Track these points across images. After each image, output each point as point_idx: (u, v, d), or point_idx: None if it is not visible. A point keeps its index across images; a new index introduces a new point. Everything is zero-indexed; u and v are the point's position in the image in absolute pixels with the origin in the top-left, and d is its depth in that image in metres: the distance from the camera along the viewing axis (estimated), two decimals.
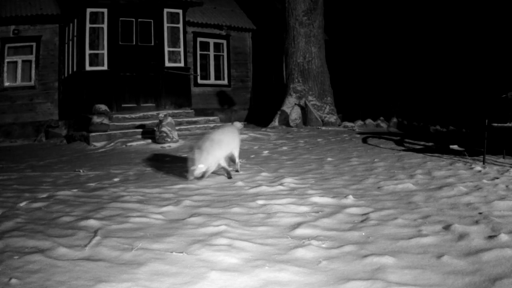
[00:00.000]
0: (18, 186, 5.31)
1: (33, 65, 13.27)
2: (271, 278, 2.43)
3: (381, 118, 13.55)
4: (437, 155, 6.97)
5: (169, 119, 9.70)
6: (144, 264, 2.58)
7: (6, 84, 12.97)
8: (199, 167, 4.92)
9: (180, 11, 13.10)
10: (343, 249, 2.86)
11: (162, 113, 10.33)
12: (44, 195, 4.66)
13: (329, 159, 7.03)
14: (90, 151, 9.47)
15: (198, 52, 15.30)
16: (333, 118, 13.55)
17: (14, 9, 12.81)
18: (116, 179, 5.78)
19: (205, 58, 15.60)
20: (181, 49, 13.09)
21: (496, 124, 6.36)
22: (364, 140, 9.32)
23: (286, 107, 13.55)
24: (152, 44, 12.76)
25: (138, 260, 2.66)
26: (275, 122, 13.44)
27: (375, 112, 14.02)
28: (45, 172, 6.66)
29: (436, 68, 15.62)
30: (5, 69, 12.93)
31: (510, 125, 6.31)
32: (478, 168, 5.70)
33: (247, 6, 16.91)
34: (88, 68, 11.87)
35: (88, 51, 11.86)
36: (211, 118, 12.67)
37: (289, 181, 5.13)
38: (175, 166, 6.91)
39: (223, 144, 5.21)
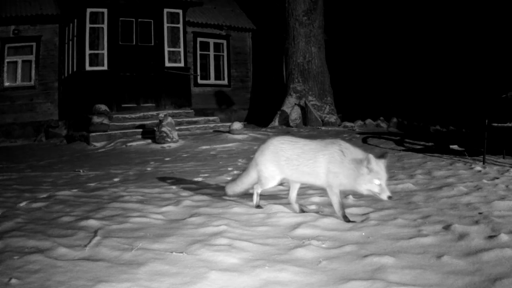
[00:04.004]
0: (18, 186, 5.31)
1: (33, 65, 13.28)
2: (271, 278, 2.43)
3: (381, 118, 13.54)
4: (437, 155, 6.97)
5: (169, 119, 9.70)
6: (144, 264, 2.58)
7: (6, 84, 12.98)
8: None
9: (180, 11, 13.11)
10: (343, 249, 2.85)
11: (162, 113, 10.34)
12: (44, 195, 4.66)
13: None
14: (90, 151, 9.47)
15: (198, 52, 15.32)
16: (333, 118, 13.56)
17: (14, 9, 12.81)
18: (116, 179, 5.78)
19: (205, 58, 15.61)
20: (181, 49, 13.10)
21: (496, 124, 6.35)
22: (364, 140, 9.32)
23: (286, 107, 13.55)
24: (152, 44, 12.77)
25: (138, 260, 2.66)
26: (275, 122, 13.45)
27: (375, 112, 14.01)
28: (45, 172, 6.66)
29: (436, 68, 15.62)
30: (5, 69, 12.94)
31: (510, 125, 6.30)
32: (478, 168, 5.70)
33: (247, 6, 16.91)
34: (88, 68, 11.89)
35: (88, 51, 11.87)
36: (211, 118, 12.68)
37: None
38: (175, 166, 6.92)
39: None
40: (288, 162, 3.55)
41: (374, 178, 3.19)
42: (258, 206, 3.85)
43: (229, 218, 3.57)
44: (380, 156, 3.30)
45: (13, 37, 12.87)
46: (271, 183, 3.70)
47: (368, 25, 17.02)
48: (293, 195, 3.74)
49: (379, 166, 3.20)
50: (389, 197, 3.23)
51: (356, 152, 3.37)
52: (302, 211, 3.72)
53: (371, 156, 3.21)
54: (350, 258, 2.70)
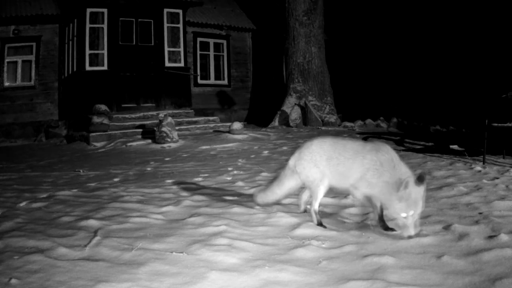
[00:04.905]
0: (18, 186, 5.31)
1: (33, 65, 13.27)
2: (271, 278, 2.43)
3: (381, 118, 13.53)
4: (437, 155, 6.97)
5: (169, 119, 9.70)
6: (144, 264, 2.58)
7: (6, 84, 12.98)
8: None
9: (180, 11, 13.11)
10: (343, 249, 2.85)
11: (162, 113, 10.34)
12: (44, 195, 4.66)
13: None
14: (90, 151, 9.47)
15: (198, 52, 15.32)
16: (333, 118, 13.56)
17: (14, 9, 12.81)
18: (116, 179, 5.78)
19: (205, 58, 15.61)
20: (181, 49, 13.10)
21: (496, 124, 6.35)
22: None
23: (286, 107, 13.55)
24: (152, 44, 12.77)
25: (138, 260, 2.66)
26: (275, 122, 13.45)
27: (375, 112, 14.00)
28: (45, 172, 6.66)
29: (436, 68, 15.62)
30: (5, 69, 12.94)
31: (510, 125, 6.30)
32: (478, 168, 5.69)
33: (247, 6, 16.91)
34: (88, 68, 11.89)
35: (88, 51, 11.87)
36: (211, 118, 12.68)
37: None
38: (175, 166, 6.92)
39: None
40: (328, 162, 3.23)
41: (402, 211, 2.80)
42: (320, 224, 3.32)
43: (229, 218, 3.57)
44: (418, 177, 2.82)
45: (13, 37, 12.87)
46: (323, 186, 3.30)
47: (368, 25, 17.02)
48: (305, 196, 3.64)
49: (414, 194, 2.77)
50: (409, 237, 2.85)
51: (400, 167, 2.90)
52: (305, 211, 3.68)
53: (409, 181, 2.74)
54: (350, 258, 2.70)
